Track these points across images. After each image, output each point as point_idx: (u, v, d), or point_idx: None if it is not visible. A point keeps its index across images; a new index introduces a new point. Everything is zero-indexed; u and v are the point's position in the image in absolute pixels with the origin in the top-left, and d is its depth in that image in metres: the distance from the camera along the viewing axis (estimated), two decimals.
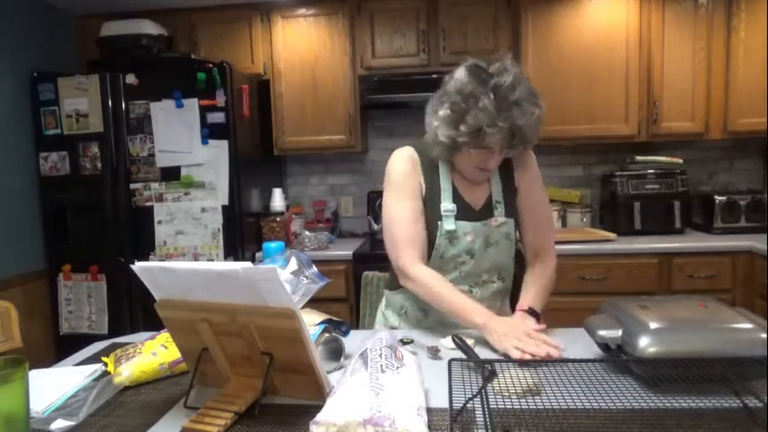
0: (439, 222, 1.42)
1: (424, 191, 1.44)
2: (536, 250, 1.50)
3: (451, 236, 1.41)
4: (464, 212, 1.43)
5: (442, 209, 1.42)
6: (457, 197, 1.44)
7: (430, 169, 1.45)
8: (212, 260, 2.70)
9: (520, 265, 1.53)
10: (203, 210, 2.70)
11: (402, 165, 1.45)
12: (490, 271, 1.47)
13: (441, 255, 1.43)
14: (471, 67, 1.31)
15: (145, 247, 2.75)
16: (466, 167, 1.40)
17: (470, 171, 1.40)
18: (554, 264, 1.51)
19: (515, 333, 1.21)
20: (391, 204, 1.44)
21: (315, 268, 1.28)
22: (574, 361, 1.03)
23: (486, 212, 1.44)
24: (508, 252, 1.48)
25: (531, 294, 1.42)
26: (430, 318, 1.49)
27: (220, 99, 2.64)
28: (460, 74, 1.32)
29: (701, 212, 2.98)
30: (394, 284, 1.56)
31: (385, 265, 1.69)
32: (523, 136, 1.30)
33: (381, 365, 0.91)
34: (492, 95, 1.25)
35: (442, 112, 1.33)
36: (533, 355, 1.13)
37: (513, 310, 1.46)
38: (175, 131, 2.67)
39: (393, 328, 1.54)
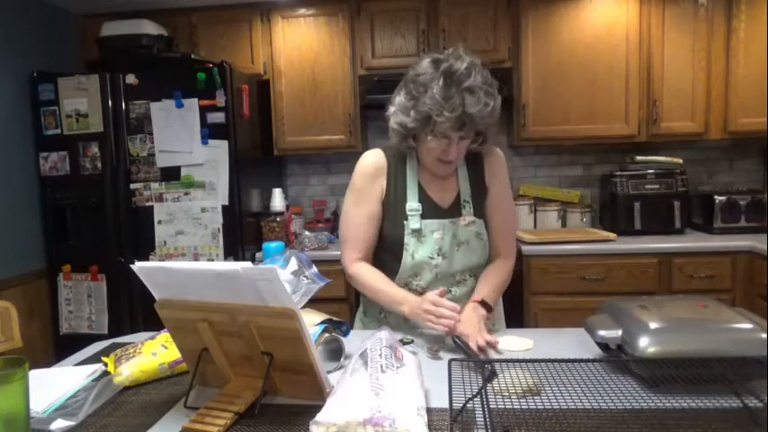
0: (405, 222, 1.44)
1: (384, 194, 1.47)
2: (496, 252, 1.52)
3: (419, 234, 1.43)
4: (431, 211, 1.45)
5: (407, 208, 1.44)
6: (423, 196, 1.46)
7: (397, 170, 1.48)
8: (212, 260, 2.70)
9: None
10: (203, 210, 2.70)
11: (364, 169, 1.49)
12: (464, 271, 1.48)
13: (412, 255, 1.44)
14: (433, 56, 1.34)
15: (145, 247, 2.75)
16: (428, 159, 1.42)
17: (432, 163, 1.42)
18: (511, 265, 1.53)
19: (424, 307, 1.29)
20: (347, 207, 1.51)
21: (315, 268, 1.28)
22: (574, 361, 1.03)
23: (454, 211, 1.46)
24: (481, 252, 1.48)
25: (485, 288, 1.44)
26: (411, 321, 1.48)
27: (220, 99, 2.64)
28: (422, 63, 1.35)
29: (700, 212, 2.98)
30: None
31: None
32: (474, 124, 1.30)
33: (381, 365, 0.91)
34: (441, 82, 1.28)
35: (398, 99, 1.38)
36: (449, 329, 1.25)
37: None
38: (175, 131, 2.67)
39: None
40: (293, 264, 1.26)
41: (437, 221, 1.43)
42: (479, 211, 1.47)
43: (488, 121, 1.32)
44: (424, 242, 1.44)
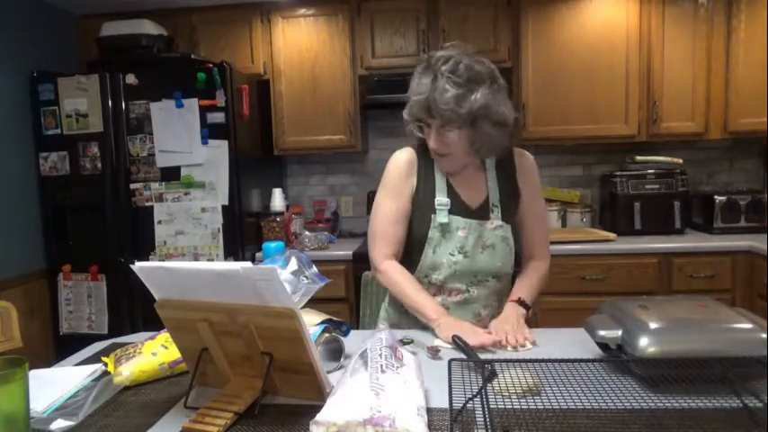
0: (432, 216, 1.45)
1: (414, 191, 1.48)
2: (531, 254, 1.55)
3: (444, 229, 1.44)
4: (459, 209, 1.46)
5: (436, 202, 1.45)
6: (452, 193, 1.47)
7: (426, 168, 1.49)
8: (212, 260, 2.70)
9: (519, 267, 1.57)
10: (203, 210, 2.70)
11: (398, 166, 1.50)
12: (486, 272, 1.48)
13: (434, 249, 1.45)
14: None
15: (145, 247, 2.75)
16: (432, 155, 1.46)
17: (435, 159, 1.46)
18: (546, 267, 1.56)
19: (462, 330, 1.27)
20: (379, 202, 1.51)
21: (315, 268, 1.28)
22: (574, 361, 1.03)
23: (482, 213, 1.46)
24: (506, 258, 1.48)
25: (522, 287, 1.48)
26: None
27: (220, 99, 2.64)
28: None
29: (701, 212, 2.98)
30: None
31: None
32: (438, 110, 1.32)
33: (381, 365, 0.91)
34: (420, 69, 1.36)
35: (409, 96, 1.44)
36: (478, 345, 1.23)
37: None
38: (175, 131, 2.67)
39: (393, 324, 1.55)
40: (293, 264, 1.26)
41: (464, 220, 1.44)
42: (507, 216, 1.47)
43: (455, 109, 1.29)
44: (449, 238, 1.44)
